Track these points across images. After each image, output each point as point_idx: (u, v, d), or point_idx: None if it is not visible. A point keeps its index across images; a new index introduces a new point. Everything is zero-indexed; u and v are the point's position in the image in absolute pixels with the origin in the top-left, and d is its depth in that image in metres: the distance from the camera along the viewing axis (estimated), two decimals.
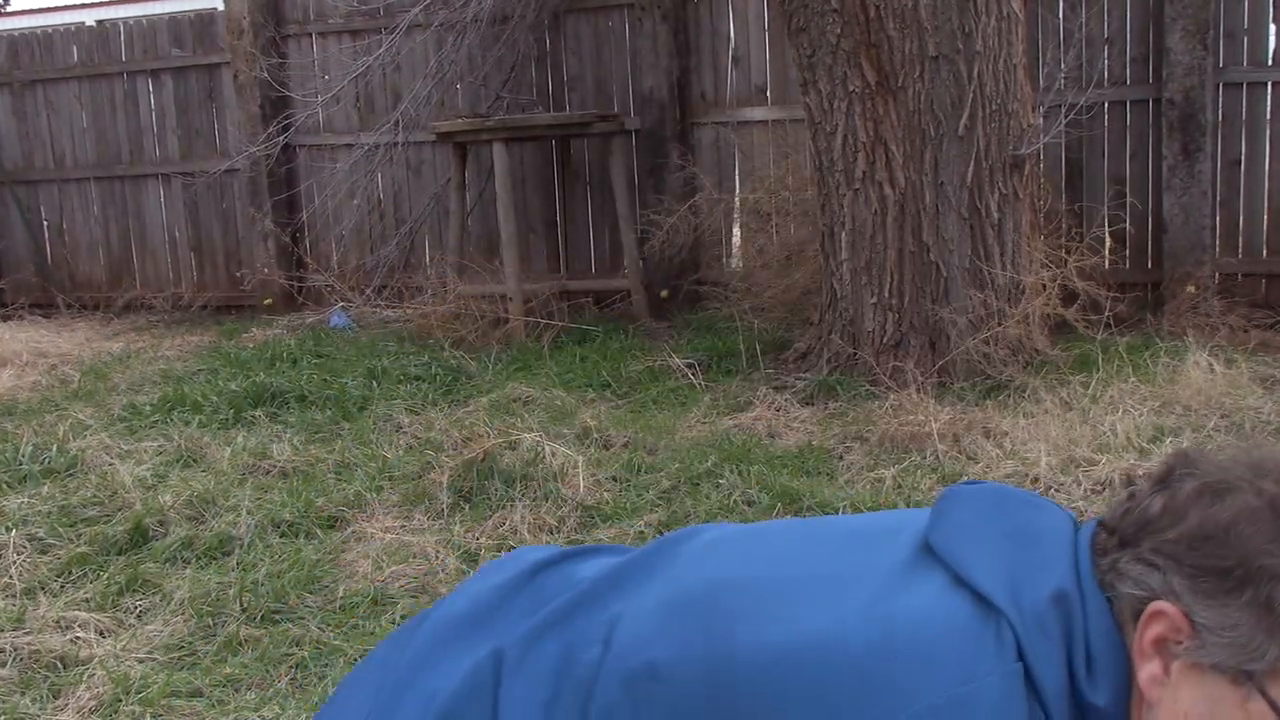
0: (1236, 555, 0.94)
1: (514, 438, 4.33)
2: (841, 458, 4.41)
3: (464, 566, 3.55)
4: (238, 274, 8.70)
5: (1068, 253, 5.66)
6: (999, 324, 5.22)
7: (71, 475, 4.56)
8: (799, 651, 1.00)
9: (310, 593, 3.38)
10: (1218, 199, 6.28)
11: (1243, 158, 6.24)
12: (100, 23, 9.66)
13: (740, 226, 7.35)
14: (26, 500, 4.26)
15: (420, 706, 1.19)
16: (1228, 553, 0.95)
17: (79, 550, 3.75)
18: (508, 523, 3.80)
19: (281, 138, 7.93)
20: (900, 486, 4.01)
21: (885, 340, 5.36)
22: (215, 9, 8.67)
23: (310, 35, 8.34)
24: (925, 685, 0.96)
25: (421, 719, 1.17)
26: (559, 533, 3.77)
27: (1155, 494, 1.03)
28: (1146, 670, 0.97)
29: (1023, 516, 1.08)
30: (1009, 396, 4.88)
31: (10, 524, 3.98)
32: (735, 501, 3.94)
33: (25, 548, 3.80)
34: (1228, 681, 0.94)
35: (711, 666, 1.03)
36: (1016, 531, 1.06)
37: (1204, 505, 0.98)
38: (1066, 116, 5.84)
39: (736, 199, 7.24)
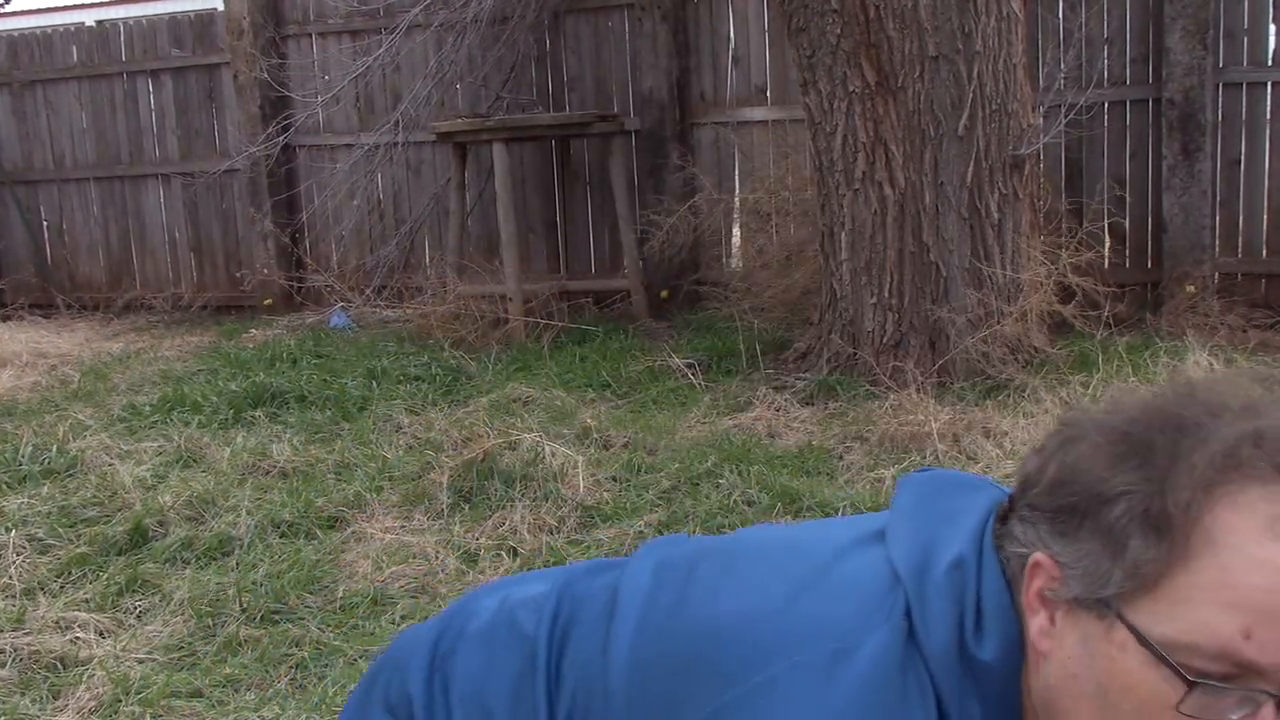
0: (1080, 490, 0.98)
1: (514, 438, 4.34)
2: (841, 458, 4.41)
3: (464, 567, 3.56)
4: (238, 274, 8.70)
5: (1067, 251, 5.66)
6: (998, 323, 5.22)
7: (71, 475, 4.56)
8: (729, 619, 1.07)
9: (310, 593, 3.38)
10: (1217, 199, 6.28)
11: (1242, 158, 6.24)
12: (100, 23, 9.65)
13: (740, 226, 7.35)
14: (26, 500, 4.26)
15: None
16: (1074, 489, 0.98)
17: (79, 551, 3.75)
18: (508, 523, 3.80)
19: (281, 138, 7.93)
20: None
21: (885, 340, 5.36)
22: (215, 9, 8.67)
23: (310, 35, 8.34)
24: (811, 642, 1.01)
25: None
26: (559, 533, 3.77)
27: (1032, 455, 1.07)
28: (1035, 624, 1.00)
29: (956, 497, 1.13)
30: (1009, 396, 4.88)
31: (10, 524, 3.99)
32: (735, 501, 3.94)
33: (25, 548, 3.80)
34: (1094, 618, 0.95)
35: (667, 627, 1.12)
36: (945, 511, 1.11)
37: (1061, 455, 1.02)
38: (1066, 116, 5.84)
39: (736, 199, 7.24)
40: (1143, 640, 0.91)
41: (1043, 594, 0.99)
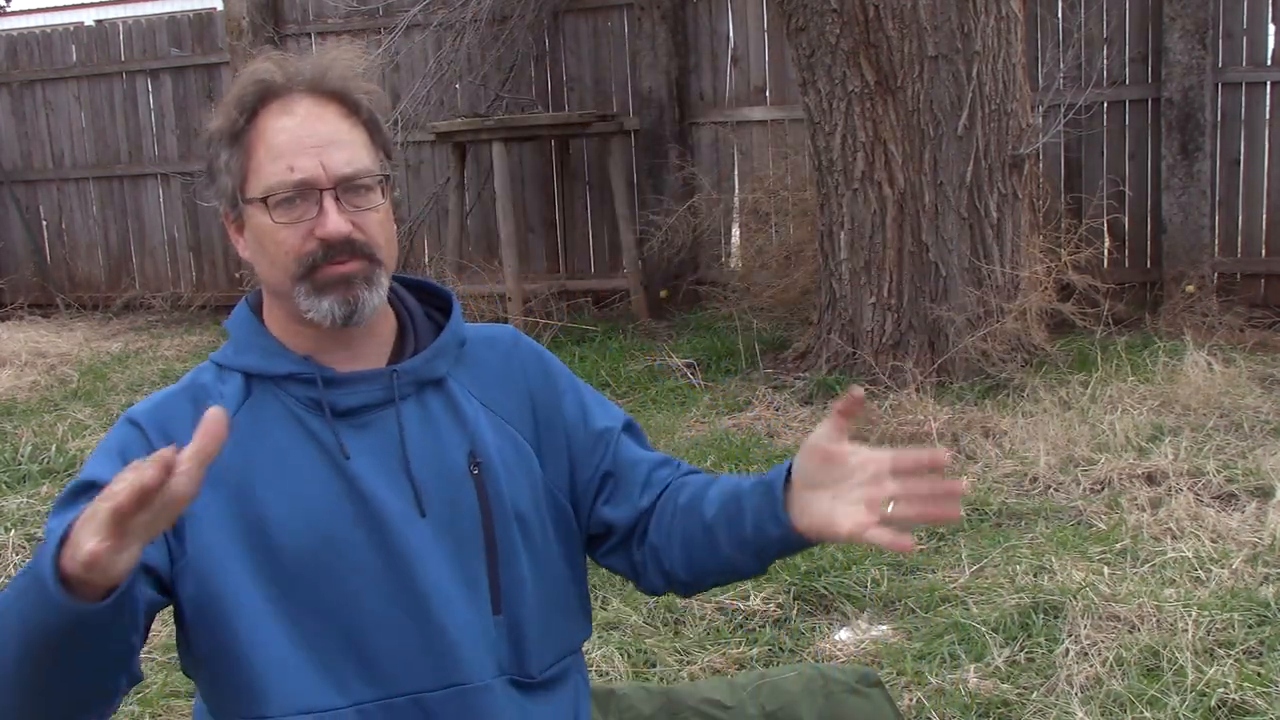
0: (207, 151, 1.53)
1: None
2: None
3: None
4: (237, 274, 8.70)
5: (1066, 251, 5.67)
6: (997, 322, 5.22)
7: (70, 475, 4.56)
8: None
9: None
10: (1216, 199, 6.28)
11: (1242, 157, 6.24)
12: (99, 22, 9.65)
13: (739, 226, 7.35)
14: (26, 500, 4.26)
15: None
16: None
17: None
18: None
19: None
20: None
21: (884, 340, 5.37)
22: (214, 9, 8.67)
23: (309, 35, 8.34)
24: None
25: None
26: None
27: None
28: (240, 250, 1.57)
29: None
30: (1008, 396, 4.88)
31: (10, 524, 3.99)
32: None
33: (24, 548, 3.80)
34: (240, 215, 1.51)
35: None
36: None
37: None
38: (1066, 116, 5.84)
39: (735, 199, 7.24)
40: (250, 201, 1.46)
41: (231, 232, 1.55)
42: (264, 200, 1.44)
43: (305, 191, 1.44)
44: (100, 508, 1.10)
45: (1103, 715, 2.52)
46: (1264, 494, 3.69)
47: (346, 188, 1.45)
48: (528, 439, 1.56)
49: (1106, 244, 6.42)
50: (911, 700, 2.62)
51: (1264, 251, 6.26)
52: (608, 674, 2.81)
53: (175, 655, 3.07)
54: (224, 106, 1.50)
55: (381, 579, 1.43)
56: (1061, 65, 6.26)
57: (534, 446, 1.56)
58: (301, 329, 1.50)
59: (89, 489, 1.35)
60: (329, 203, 1.43)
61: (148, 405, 1.52)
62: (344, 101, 1.48)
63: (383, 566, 1.43)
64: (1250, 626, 2.81)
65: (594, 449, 1.58)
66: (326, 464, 1.45)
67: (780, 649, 2.95)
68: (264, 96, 1.47)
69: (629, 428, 1.63)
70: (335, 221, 1.43)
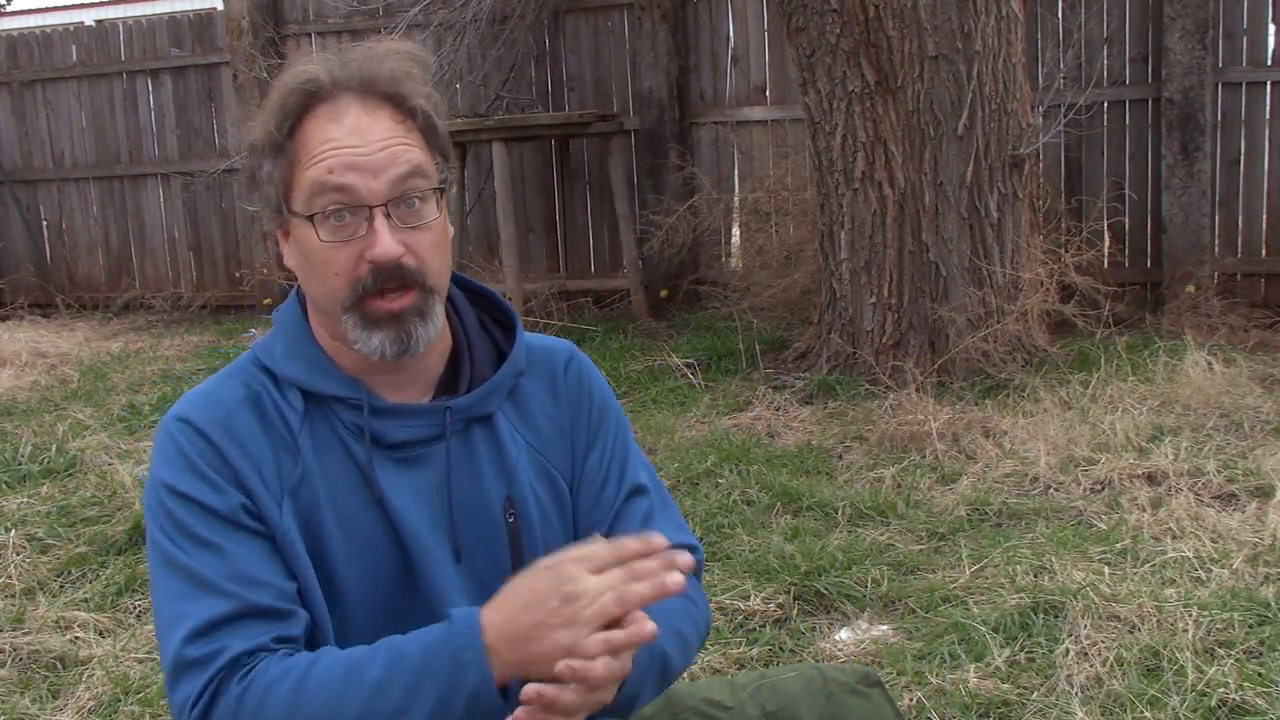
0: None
1: None
2: (841, 457, 4.41)
3: None
4: (237, 274, 8.70)
5: (1067, 251, 5.67)
6: (998, 322, 5.22)
7: (71, 475, 4.56)
8: None
9: None
10: (1217, 198, 6.28)
11: (1242, 157, 6.24)
12: (100, 22, 9.65)
13: (740, 226, 7.35)
14: (26, 500, 4.26)
15: None
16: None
17: (78, 550, 3.75)
18: None
19: None
20: (900, 486, 4.01)
21: (884, 340, 5.36)
22: (215, 9, 8.67)
23: (309, 35, 8.34)
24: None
25: None
26: None
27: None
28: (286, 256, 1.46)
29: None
30: (1008, 396, 4.88)
31: (10, 524, 3.99)
32: (734, 501, 3.94)
33: (25, 548, 3.80)
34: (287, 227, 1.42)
35: None
36: None
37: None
38: (1066, 116, 5.84)
39: (736, 199, 7.24)
40: (296, 215, 1.37)
41: (278, 238, 1.45)
42: (309, 218, 1.35)
43: (354, 209, 1.34)
44: (590, 614, 1.16)
45: (1103, 715, 2.52)
46: (1264, 494, 3.69)
47: (399, 202, 1.35)
48: (565, 478, 1.51)
49: (1107, 244, 6.42)
50: (912, 700, 2.62)
51: (1264, 251, 6.26)
52: None
53: None
54: (265, 112, 1.39)
55: (412, 619, 1.37)
56: (1062, 65, 6.26)
57: (570, 484, 1.52)
58: (347, 348, 1.42)
59: (212, 514, 1.32)
60: (380, 222, 1.34)
61: (213, 414, 1.39)
62: (398, 105, 1.37)
63: (414, 606, 1.39)
64: (1250, 626, 2.81)
65: (593, 510, 1.53)
66: (370, 498, 1.39)
67: (780, 649, 2.94)
68: (309, 102, 1.36)
69: (637, 491, 1.55)
70: (386, 244, 1.33)
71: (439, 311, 1.40)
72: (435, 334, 1.40)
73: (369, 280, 1.35)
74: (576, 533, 1.51)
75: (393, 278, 1.34)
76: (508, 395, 1.49)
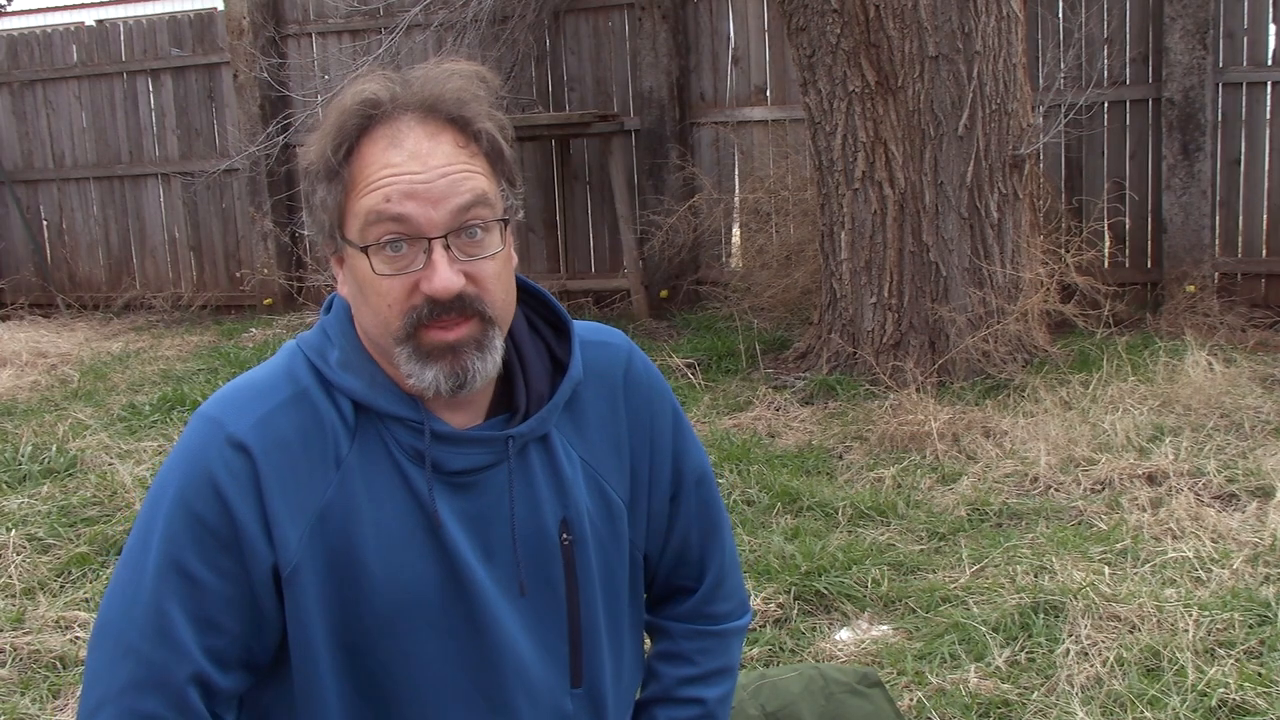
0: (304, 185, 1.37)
1: None
2: (841, 457, 4.41)
3: None
4: (238, 274, 8.70)
5: (1067, 251, 5.67)
6: (998, 322, 5.22)
7: (71, 475, 4.56)
8: None
9: None
10: (1217, 199, 6.28)
11: (1242, 157, 6.24)
12: (100, 22, 9.65)
13: (740, 226, 7.35)
14: (26, 500, 4.26)
15: None
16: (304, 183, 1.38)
17: (79, 550, 3.75)
18: None
19: (281, 137, 7.93)
20: (900, 486, 4.01)
21: (885, 340, 5.37)
22: (215, 9, 8.67)
23: (310, 35, 8.34)
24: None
25: None
26: None
27: None
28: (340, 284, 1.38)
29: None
30: (1008, 396, 4.88)
31: (10, 524, 3.99)
32: (735, 501, 3.94)
33: (25, 548, 3.80)
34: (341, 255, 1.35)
35: None
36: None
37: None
38: (1066, 116, 5.84)
39: (736, 199, 7.24)
40: (349, 244, 1.31)
41: (331, 263, 1.38)
42: (364, 249, 1.28)
43: (412, 240, 1.27)
44: None
45: (1103, 715, 2.52)
46: (1264, 494, 3.69)
47: (459, 233, 1.27)
48: (621, 496, 1.46)
49: (1107, 244, 6.42)
50: (912, 700, 2.62)
51: (1264, 251, 6.26)
52: None
53: None
54: (321, 134, 1.31)
55: (462, 649, 1.34)
56: (1062, 65, 6.26)
57: (626, 503, 1.47)
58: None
59: (176, 570, 1.27)
60: (439, 254, 1.26)
61: (251, 418, 1.31)
62: (461, 128, 1.30)
63: (465, 636, 1.34)
64: (1251, 626, 2.81)
65: (668, 513, 1.53)
66: (424, 523, 1.33)
67: (780, 649, 2.94)
68: (367, 124, 1.29)
69: (701, 482, 1.56)
70: (445, 277, 1.26)
71: (498, 345, 1.31)
72: (494, 369, 1.32)
73: (424, 310, 1.28)
74: (632, 552, 1.48)
75: (450, 307, 1.28)
76: (565, 408, 1.43)
